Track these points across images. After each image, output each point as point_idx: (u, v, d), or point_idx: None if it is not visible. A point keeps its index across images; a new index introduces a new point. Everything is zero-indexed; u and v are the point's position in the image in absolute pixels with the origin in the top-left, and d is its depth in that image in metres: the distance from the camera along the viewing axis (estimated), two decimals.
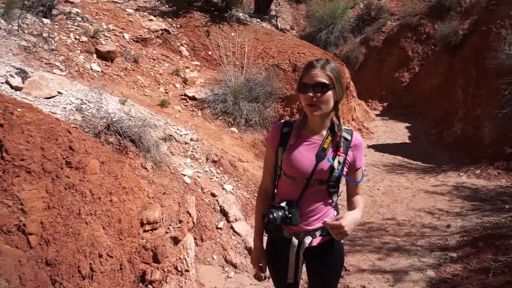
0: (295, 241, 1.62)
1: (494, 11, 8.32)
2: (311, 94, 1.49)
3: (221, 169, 4.46)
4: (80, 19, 5.80)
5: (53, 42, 4.85)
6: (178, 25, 7.69)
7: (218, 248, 3.52)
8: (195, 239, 3.43)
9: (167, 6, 8.20)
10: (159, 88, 5.86)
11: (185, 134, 4.56)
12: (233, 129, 5.83)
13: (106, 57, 5.42)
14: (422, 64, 10.64)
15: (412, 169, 6.37)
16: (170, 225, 3.09)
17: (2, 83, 3.36)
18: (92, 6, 6.56)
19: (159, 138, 4.13)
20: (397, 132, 8.83)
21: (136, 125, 3.68)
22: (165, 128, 4.41)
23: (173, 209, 3.19)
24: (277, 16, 12.39)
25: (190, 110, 5.81)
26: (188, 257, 3.06)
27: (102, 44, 5.46)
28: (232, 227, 3.75)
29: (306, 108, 1.54)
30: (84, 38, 5.36)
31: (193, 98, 5.99)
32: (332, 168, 1.54)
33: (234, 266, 3.43)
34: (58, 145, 2.35)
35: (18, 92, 3.39)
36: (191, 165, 4.21)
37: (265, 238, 1.78)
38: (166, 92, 5.85)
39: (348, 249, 3.62)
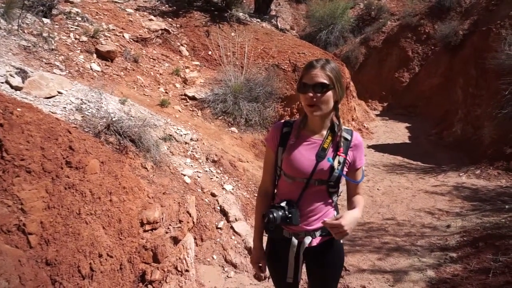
0: (295, 241, 1.62)
1: (494, 11, 8.32)
2: (311, 94, 1.49)
3: (221, 169, 4.46)
4: (80, 19, 5.79)
5: (53, 42, 4.85)
6: (178, 25, 7.69)
7: (218, 248, 3.52)
8: (195, 239, 3.43)
9: (167, 6, 8.20)
10: (159, 88, 5.86)
11: (185, 134, 4.56)
12: (233, 129, 5.83)
13: (106, 57, 5.42)
14: (422, 64, 10.65)
15: (412, 169, 6.37)
16: (170, 225, 3.09)
17: (2, 82, 3.36)
18: (92, 6, 6.56)
19: (159, 138, 4.13)
20: (397, 132, 8.83)
21: (136, 125, 3.68)
22: (165, 128, 4.41)
23: (173, 209, 3.19)
24: (277, 16, 12.39)
25: (190, 110, 5.81)
26: (188, 257, 3.06)
27: (102, 44, 5.46)
28: (232, 227, 3.75)
29: (306, 108, 1.54)
30: (84, 38, 5.36)
31: (193, 98, 5.99)
32: (332, 168, 1.54)
33: (234, 266, 3.43)
34: (58, 145, 2.35)
35: (18, 92, 3.38)
36: (191, 165, 4.21)
37: (265, 238, 1.78)
38: (166, 92, 5.85)
39: (348, 249, 3.62)
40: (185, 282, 2.95)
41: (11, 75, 3.46)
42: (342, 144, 1.59)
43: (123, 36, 6.18)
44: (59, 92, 3.69)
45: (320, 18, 12.18)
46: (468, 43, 8.66)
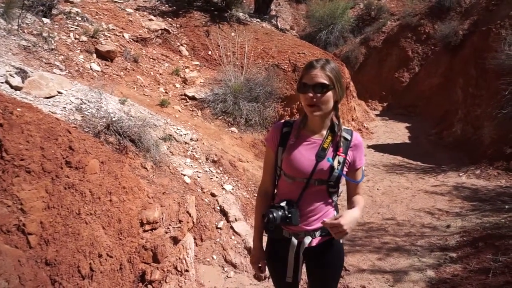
0: (294, 241, 1.62)
1: (494, 12, 8.32)
2: (311, 94, 1.49)
3: (221, 169, 4.46)
4: (80, 18, 5.79)
5: (53, 42, 4.85)
6: (178, 25, 7.69)
7: (218, 248, 3.52)
8: (194, 239, 3.43)
9: (167, 5, 8.20)
10: (159, 88, 5.86)
11: (185, 134, 4.56)
12: (233, 129, 5.83)
13: (106, 56, 5.42)
14: (422, 64, 10.65)
15: (412, 169, 6.37)
16: (170, 225, 3.09)
17: (2, 82, 3.36)
18: (92, 5, 6.56)
19: (159, 138, 4.13)
20: (397, 132, 8.83)
21: (136, 125, 3.68)
22: (165, 128, 4.41)
23: (173, 209, 3.19)
24: (277, 16, 12.39)
25: (190, 110, 5.81)
26: (187, 257, 3.06)
27: (102, 44, 5.46)
28: (232, 227, 3.75)
29: (306, 108, 1.54)
30: (84, 38, 5.36)
31: (193, 98, 5.99)
32: (332, 168, 1.54)
33: (234, 266, 3.43)
34: (58, 145, 2.35)
35: (17, 91, 3.38)
36: (191, 165, 4.21)
37: (265, 238, 1.78)
38: (166, 92, 5.85)
39: (348, 249, 3.62)
40: (185, 282, 2.95)
41: (11, 75, 3.46)
42: (342, 144, 1.59)
43: (123, 36, 6.17)
44: (59, 92, 3.69)
45: (320, 18, 12.18)
46: (468, 43, 8.66)
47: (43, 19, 5.20)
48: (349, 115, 8.14)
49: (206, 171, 4.29)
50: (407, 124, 9.34)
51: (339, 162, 1.56)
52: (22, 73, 3.63)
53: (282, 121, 1.73)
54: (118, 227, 2.56)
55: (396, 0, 13.36)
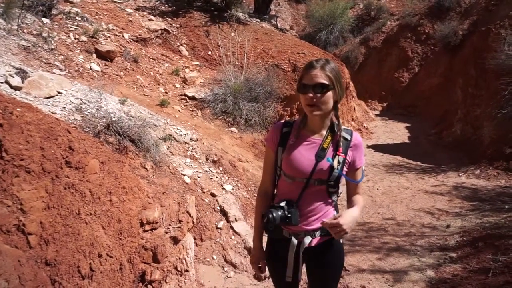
0: (294, 241, 1.62)
1: (493, 12, 8.33)
2: (311, 94, 1.49)
3: (221, 169, 4.46)
4: (79, 18, 5.79)
5: (52, 42, 4.85)
6: (177, 25, 7.69)
7: (218, 248, 3.52)
8: (194, 239, 3.43)
9: (166, 6, 8.20)
10: (158, 88, 5.86)
11: (185, 134, 4.56)
12: (233, 129, 5.83)
13: (105, 56, 5.42)
14: (422, 64, 10.65)
15: (411, 169, 6.38)
16: (169, 225, 3.09)
17: (2, 82, 3.35)
18: (92, 5, 6.56)
19: (159, 138, 4.13)
20: (397, 132, 8.83)
21: (136, 125, 3.68)
22: (164, 128, 4.40)
23: (172, 209, 3.19)
24: (276, 16, 12.39)
25: (190, 110, 5.81)
26: (187, 257, 3.06)
27: (101, 44, 5.46)
28: (232, 227, 3.75)
29: (305, 108, 1.54)
30: (84, 38, 5.36)
31: (192, 98, 5.99)
32: (331, 167, 1.54)
33: (234, 266, 3.43)
34: (57, 145, 2.35)
35: (17, 91, 3.38)
36: (191, 165, 4.21)
37: (265, 238, 1.78)
38: (165, 92, 5.85)
39: (348, 249, 3.62)
40: (184, 282, 2.95)
41: (10, 75, 3.46)
42: (341, 144, 1.59)
43: (122, 36, 6.17)
44: (58, 92, 3.69)
45: (320, 18, 12.19)
46: (467, 43, 8.67)
47: (43, 19, 5.20)
48: (349, 115, 8.14)
49: (206, 171, 4.29)
50: (406, 124, 9.34)
51: (338, 162, 1.56)
52: (22, 73, 3.63)
53: (282, 121, 1.73)
54: (118, 227, 2.56)
55: (396, 0, 13.37)
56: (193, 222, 3.39)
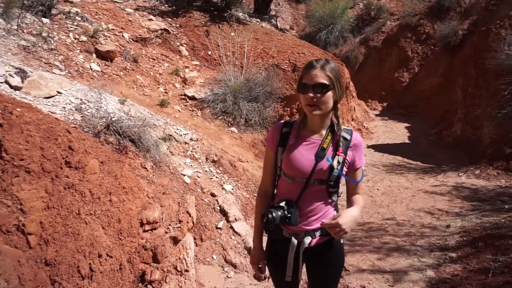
0: (294, 241, 1.61)
1: (493, 12, 8.33)
2: (311, 94, 1.49)
3: (220, 169, 4.46)
4: (79, 18, 5.79)
5: (52, 42, 4.85)
6: (177, 25, 7.69)
7: (218, 248, 3.52)
8: (194, 239, 3.43)
9: (166, 5, 8.20)
10: (158, 88, 5.86)
11: (185, 134, 4.56)
12: (233, 129, 5.83)
13: (105, 56, 5.41)
14: (422, 64, 10.66)
15: (411, 169, 6.38)
16: (169, 225, 3.09)
17: (1, 82, 3.35)
18: (92, 5, 6.56)
19: (159, 138, 4.12)
20: (397, 132, 8.83)
21: (136, 125, 3.68)
22: (164, 128, 4.40)
23: (172, 209, 3.18)
24: (276, 16, 12.39)
25: (190, 110, 5.81)
26: (187, 257, 3.06)
27: (101, 44, 5.46)
28: (232, 227, 3.75)
29: (305, 108, 1.54)
30: (84, 38, 5.36)
31: (192, 98, 5.99)
32: (331, 167, 1.54)
33: (234, 266, 3.43)
34: (57, 145, 2.34)
35: (17, 91, 3.38)
36: (191, 165, 4.20)
37: (265, 238, 1.78)
38: (165, 92, 5.85)
39: (347, 249, 3.62)
40: (184, 282, 2.95)
41: (10, 75, 3.46)
42: (341, 144, 1.58)
43: (122, 36, 6.17)
44: (58, 92, 3.69)
45: (320, 18, 12.18)
46: (467, 43, 8.67)
47: (43, 19, 5.20)
48: (349, 115, 8.14)
49: (206, 171, 4.29)
50: (406, 124, 9.34)
51: (338, 162, 1.56)
52: (22, 73, 3.62)
53: (282, 121, 1.73)
54: (118, 227, 2.56)
55: (396, 0, 13.37)
56: (193, 222, 3.39)
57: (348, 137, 1.60)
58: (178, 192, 3.57)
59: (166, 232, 3.01)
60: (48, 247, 2.07)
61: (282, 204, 1.57)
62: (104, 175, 2.62)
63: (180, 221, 3.16)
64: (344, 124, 1.71)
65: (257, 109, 6.05)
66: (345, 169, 1.60)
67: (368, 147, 7.60)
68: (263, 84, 6.25)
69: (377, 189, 5.41)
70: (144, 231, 2.85)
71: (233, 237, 3.68)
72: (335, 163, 1.55)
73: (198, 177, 4.06)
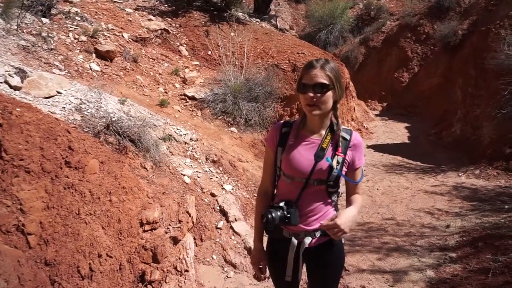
0: (294, 241, 1.61)
1: (493, 12, 8.33)
2: (311, 94, 1.49)
3: (220, 169, 4.46)
4: (79, 18, 5.79)
5: (52, 42, 4.84)
6: (177, 25, 7.69)
7: (218, 248, 3.52)
8: (194, 239, 3.43)
9: (166, 5, 8.19)
10: (158, 88, 5.86)
11: (185, 134, 4.56)
12: (233, 129, 5.83)
13: (105, 56, 5.41)
14: (422, 64, 10.66)
15: (411, 169, 6.38)
16: (169, 225, 3.09)
17: (1, 82, 3.35)
18: (91, 5, 6.55)
19: (159, 138, 4.12)
20: (397, 132, 8.84)
21: (136, 125, 3.67)
22: (164, 128, 4.40)
23: (172, 209, 3.18)
24: (276, 16, 12.39)
25: (190, 110, 5.81)
26: (187, 257, 3.06)
27: (101, 44, 5.46)
28: (231, 227, 3.75)
29: (305, 108, 1.54)
30: (83, 38, 5.36)
31: (192, 98, 5.99)
32: (331, 167, 1.54)
33: (234, 266, 3.43)
34: (57, 145, 2.34)
35: (17, 91, 3.38)
36: (191, 165, 4.20)
37: (265, 238, 1.78)
38: (165, 92, 5.85)
39: (347, 249, 3.62)
40: (184, 282, 2.94)
41: (10, 75, 3.45)
42: (340, 143, 1.58)
43: (122, 36, 6.17)
44: (58, 92, 3.68)
45: (320, 18, 12.19)
46: (467, 43, 8.67)
47: (42, 19, 5.19)
48: (349, 115, 8.14)
49: (206, 171, 4.29)
50: (406, 124, 9.35)
51: (338, 162, 1.56)
52: (21, 73, 3.62)
53: (282, 121, 1.73)
54: (117, 227, 2.56)
55: (396, 0, 13.37)
56: (193, 222, 3.39)
57: (347, 137, 1.60)
58: (178, 192, 3.57)
59: (166, 232, 3.01)
60: (48, 247, 2.07)
61: (282, 204, 1.57)
62: (104, 175, 2.62)
63: (180, 221, 3.16)
64: (344, 124, 1.71)
65: (257, 109, 6.05)
66: (344, 169, 1.60)
67: (368, 147, 7.60)
68: (263, 84, 6.25)
69: (377, 189, 5.41)
70: (144, 231, 2.85)
71: (233, 237, 3.68)
72: (334, 163, 1.54)
73: (198, 177, 4.06)
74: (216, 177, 4.28)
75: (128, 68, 5.65)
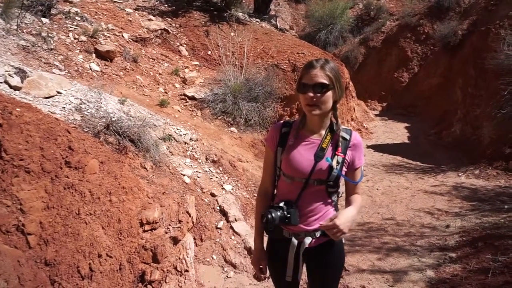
0: (294, 241, 1.61)
1: (493, 12, 8.34)
2: (311, 94, 1.49)
3: (220, 169, 4.46)
4: (79, 18, 5.78)
5: (52, 42, 4.84)
6: (177, 25, 7.69)
7: (218, 248, 3.52)
8: (194, 239, 3.43)
9: (166, 5, 8.19)
10: (158, 88, 5.86)
11: (185, 134, 4.56)
12: (233, 129, 5.83)
13: (105, 56, 5.41)
14: (422, 64, 10.66)
15: (411, 169, 6.38)
16: (169, 225, 3.09)
17: (1, 82, 3.35)
18: (91, 5, 6.55)
19: (159, 138, 4.12)
20: (397, 132, 8.84)
21: (136, 125, 3.67)
22: (164, 128, 4.40)
23: (172, 209, 3.18)
24: (276, 16, 12.38)
25: (190, 110, 5.81)
26: (187, 257, 3.06)
27: (101, 44, 5.46)
28: (231, 227, 3.75)
29: (305, 108, 1.54)
30: (83, 38, 5.35)
31: (192, 98, 5.99)
32: (330, 167, 1.54)
33: (234, 266, 3.43)
34: (57, 145, 2.34)
35: (17, 91, 3.38)
36: (191, 165, 4.20)
37: (265, 238, 1.78)
38: (165, 92, 5.85)
39: (347, 249, 3.62)
40: (184, 282, 2.95)
41: (10, 75, 3.45)
42: (340, 143, 1.58)
43: (122, 36, 6.17)
44: (58, 92, 3.68)
45: (320, 18, 12.19)
46: (467, 43, 8.68)
47: (42, 19, 5.19)
48: (349, 115, 8.14)
49: (206, 171, 4.29)
50: (406, 124, 9.35)
51: (337, 162, 1.56)
52: (21, 73, 3.62)
53: (282, 121, 1.73)
54: (117, 227, 2.56)
55: (395, 0, 13.38)
56: (193, 222, 3.39)
57: (347, 137, 1.60)
58: (178, 192, 3.57)
59: (166, 232, 3.01)
60: (48, 247, 2.07)
61: (282, 204, 1.57)
62: (104, 175, 2.62)
63: (180, 221, 3.16)
64: (344, 124, 1.71)
65: (257, 109, 6.05)
66: (344, 169, 1.60)
67: (368, 147, 7.60)
68: (263, 84, 6.25)
69: (377, 189, 5.41)
70: (144, 231, 2.85)
71: (233, 237, 3.68)
72: (334, 163, 1.55)
73: (198, 177, 4.06)
74: (216, 177, 4.28)
75: (128, 68, 5.65)
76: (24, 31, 4.69)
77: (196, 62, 7.07)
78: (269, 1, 11.13)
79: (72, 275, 2.14)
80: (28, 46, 4.45)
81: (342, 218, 1.43)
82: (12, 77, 3.46)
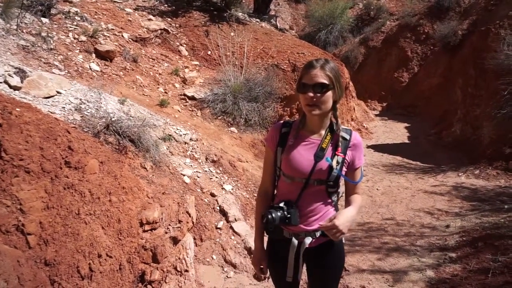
0: (295, 241, 1.61)
1: (493, 12, 8.33)
2: (311, 94, 1.49)
3: (220, 169, 4.46)
4: (79, 18, 5.78)
5: (52, 42, 4.84)
6: (177, 25, 7.69)
7: (218, 248, 3.52)
8: (194, 239, 3.43)
9: (166, 5, 8.19)
10: (158, 88, 5.85)
11: (185, 134, 4.56)
12: (233, 129, 5.83)
13: (105, 56, 5.41)
14: (421, 64, 10.66)
15: (411, 169, 6.38)
16: (169, 225, 3.09)
17: (1, 82, 3.35)
18: (91, 5, 6.55)
19: (159, 138, 4.12)
20: (397, 132, 8.84)
21: (136, 125, 3.67)
22: (164, 128, 4.40)
23: (172, 209, 3.18)
24: (276, 16, 12.38)
25: (190, 110, 5.81)
26: (187, 257, 3.06)
27: (101, 44, 5.45)
28: (231, 227, 3.75)
29: (305, 108, 1.54)
30: (83, 38, 5.35)
31: (192, 98, 5.99)
32: (330, 167, 1.54)
33: (234, 266, 3.43)
34: (57, 145, 2.34)
35: (16, 91, 3.37)
36: (191, 165, 4.20)
37: (266, 238, 1.78)
38: (165, 92, 5.85)
39: (347, 249, 3.62)
40: (184, 282, 2.94)
41: (9, 75, 3.45)
42: (340, 143, 1.58)
43: (122, 35, 6.17)
44: (58, 92, 3.68)
45: (319, 18, 12.19)
46: (467, 43, 8.68)
47: (42, 18, 5.19)
48: (349, 115, 8.14)
49: (206, 171, 4.29)
50: (406, 124, 9.35)
51: (337, 162, 1.56)
52: (21, 73, 3.62)
53: (281, 121, 1.73)
54: (117, 227, 2.56)
55: (395, 0, 13.38)
56: (192, 222, 3.39)
57: (347, 137, 1.60)
58: (178, 192, 3.57)
59: (166, 232, 3.01)
60: (48, 247, 2.07)
61: (282, 204, 1.57)
62: (103, 175, 2.62)
63: (179, 221, 3.16)
64: (344, 124, 1.71)
65: (257, 109, 6.05)
66: (344, 169, 1.60)
67: (368, 147, 7.60)
68: (263, 84, 6.25)
69: (377, 189, 5.41)
70: (144, 231, 2.85)
71: (232, 237, 3.68)
72: (334, 163, 1.54)
73: (198, 177, 4.06)
74: (216, 177, 4.28)
75: (128, 68, 5.65)
76: (24, 31, 4.69)
77: (196, 62, 7.07)
78: (269, 1, 11.13)
79: (72, 275, 2.14)
80: (28, 46, 4.45)
81: (342, 219, 1.43)
82: (12, 77, 3.46)
